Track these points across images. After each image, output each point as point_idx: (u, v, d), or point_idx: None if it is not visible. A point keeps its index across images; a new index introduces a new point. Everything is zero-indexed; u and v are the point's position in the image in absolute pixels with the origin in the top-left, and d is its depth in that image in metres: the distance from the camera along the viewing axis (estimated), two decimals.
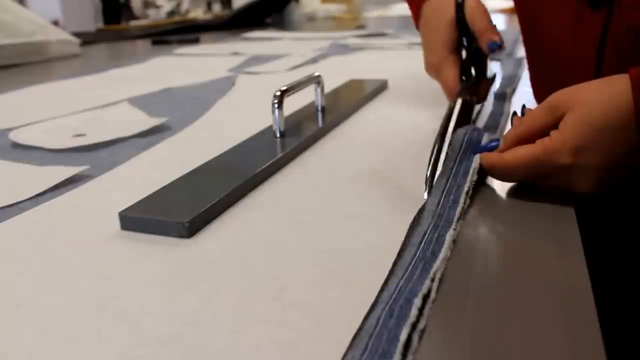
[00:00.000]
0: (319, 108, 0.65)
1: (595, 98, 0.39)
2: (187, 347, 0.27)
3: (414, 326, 0.27)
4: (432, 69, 0.65)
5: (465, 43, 0.64)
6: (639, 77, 0.38)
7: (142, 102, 0.81)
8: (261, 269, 0.34)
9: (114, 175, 0.52)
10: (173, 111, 0.74)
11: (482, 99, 0.63)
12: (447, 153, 0.46)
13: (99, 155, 0.58)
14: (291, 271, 0.33)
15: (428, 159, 0.45)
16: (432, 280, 0.30)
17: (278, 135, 0.56)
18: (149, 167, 0.53)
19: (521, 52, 1.01)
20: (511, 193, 0.44)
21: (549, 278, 0.32)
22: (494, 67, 0.90)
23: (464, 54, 0.65)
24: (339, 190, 0.45)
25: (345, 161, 0.52)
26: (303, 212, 0.41)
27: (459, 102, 0.54)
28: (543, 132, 0.41)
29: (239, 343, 0.27)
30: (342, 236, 0.37)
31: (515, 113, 0.47)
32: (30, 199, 0.48)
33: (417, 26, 0.69)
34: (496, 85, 0.75)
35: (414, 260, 0.32)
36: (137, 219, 0.39)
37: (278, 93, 0.55)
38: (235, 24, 2.04)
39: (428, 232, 0.36)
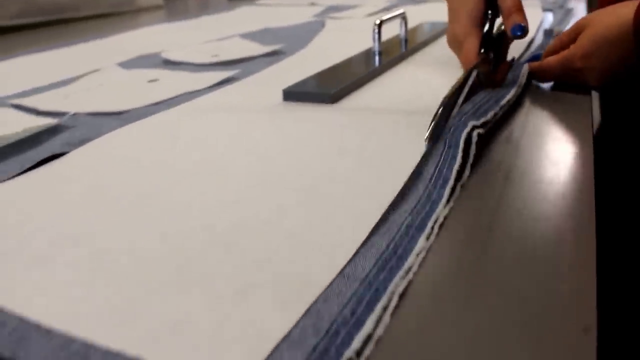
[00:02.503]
0: (403, 38, 0.82)
1: (604, 19, 0.55)
2: (329, 161, 0.45)
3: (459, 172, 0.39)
4: (455, 41, 0.62)
5: (490, 16, 0.60)
6: None
7: (249, 37, 1.00)
8: (378, 119, 0.52)
9: (258, 77, 0.70)
10: (280, 43, 0.92)
11: (496, 84, 0.57)
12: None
13: (237, 67, 0.77)
14: (389, 120, 0.51)
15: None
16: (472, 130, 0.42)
17: (377, 53, 0.74)
18: (283, 72, 0.72)
19: (570, 4, 1.18)
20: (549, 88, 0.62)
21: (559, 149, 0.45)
22: (546, 18, 1.06)
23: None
24: (418, 84, 0.63)
25: (424, 74, 0.70)
26: (402, 94, 0.60)
27: (475, 73, 0.53)
28: (567, 45, 0.59)
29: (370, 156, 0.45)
30: (427, 104, 0.55)
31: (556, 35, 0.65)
32: (203, 89, 0.66)
33: None
34: (541, 32, 0.90)
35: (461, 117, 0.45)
36: (296, 93, 0.58)
37: (378, 22, 0.73)
38: None
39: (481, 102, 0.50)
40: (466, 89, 0.50)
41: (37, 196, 0.40)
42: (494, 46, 0.59)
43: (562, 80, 0.60)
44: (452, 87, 0.48)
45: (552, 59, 0.59)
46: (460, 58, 0.60)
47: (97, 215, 0.37)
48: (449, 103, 0.46)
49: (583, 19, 0.57)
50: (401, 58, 0.76)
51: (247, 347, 0.24)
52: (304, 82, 0.61)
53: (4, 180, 0.43)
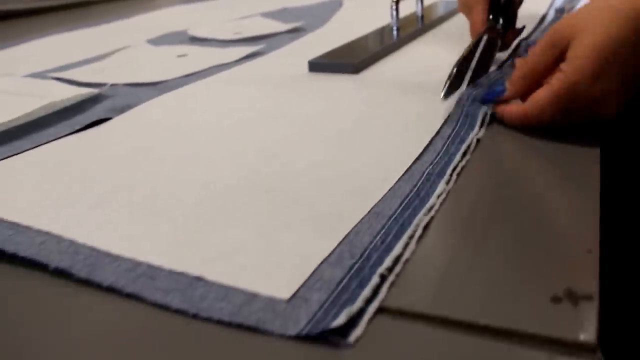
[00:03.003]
0: (420, 15, 0.86)
1: (597, 18, 0.39)
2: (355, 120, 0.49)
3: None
4: (465, 7, 0.63)
5: None
6: None
7: (269, 17, 1.03)
8: (399, 87, 0.55)
9: (282, 52, 0.74)
10: (299, 21, 0.95)
11: (506, 46, 0.60)
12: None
13: (261, 43, 0.81)
14: (410, 88, 0.55)
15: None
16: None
17: (395, 29, 0.77)
18: (306, 47, 0.75)
19: None
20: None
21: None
22: None
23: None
24: (434, 58, 0.66)
25: (439, 48, 0.73)
26: (419, 66, 0.63)
27: (485, 37, 0.54)
28: (550, 66, 0.41)
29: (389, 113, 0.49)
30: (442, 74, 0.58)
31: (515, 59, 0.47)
32: (231, 63, 0.70)
33: None
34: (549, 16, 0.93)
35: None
36: (321, 64, 0.62)
37: None
38: None
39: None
40: (478, 53, 0.53)
41: (90, 154, 0.44)
42: (502, 13, 0.60)
43: (562, 121, 0.42)
44: (463, 52, 0.52)
45: (539, 95, 0.41)
46: (470, 24, 0.62)
47: (146, 169, 0.41)
48: (461, 65, 0.50)
49: (559, 27, 0.41)
50: (417, 34, 0.79)
51: (293, 267, 0.28)
52: (328, 54, 0.65)
53: (58, 139, 0.47)
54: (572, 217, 0.32)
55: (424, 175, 0.36)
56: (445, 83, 0.48)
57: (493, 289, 0.26)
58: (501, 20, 0.60)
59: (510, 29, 0.62)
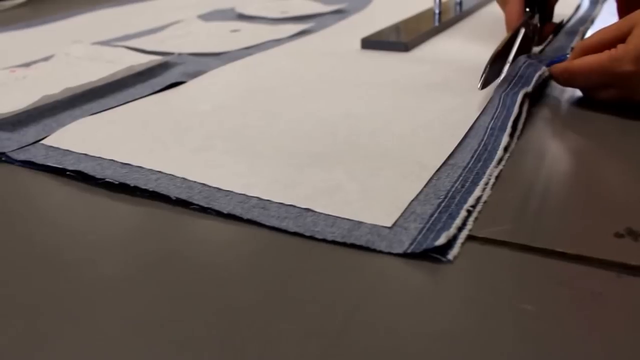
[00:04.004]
0: (458, 1, 0.90)
1: None
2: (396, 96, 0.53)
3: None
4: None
5: None
6: None
7: None
8: (452, 64, 0.60)
9: (331, 30, 0.78)
10: (339, 5, 0.99)
11: (542, 40, 0.62)
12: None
13: (309, 22, 0.85)
14: (463, 63, 0.59)
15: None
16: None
17: (437, 13, 0.81)
18: (353, 27, 0.80)
19: None
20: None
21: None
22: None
23: None
24: (477, 42, 0.70)
25: (478, 34, 0.77)
26: (463, 48, 0.67)
27: (522, 31, 0.55)
28: (611, 44, 0.44)
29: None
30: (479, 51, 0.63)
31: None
32: (285, 38, 0.74)
33: None
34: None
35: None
36: (373, 42, 0.66)
37: None
38: None
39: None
40: (516, 45, 0.53)
41: (177, 109, 0.49)
42: (538, 6, 0.61)
43: (594, 91, 0.48)
44: (498, 46, 0.52)
45: (587, 58, 0.45)
46: (505, 16, 0.62)
47: (235, 122, 0.45)
48: (496, 58, 0.50)
49: (631, 14, 0.45)
50: (457, 19, 0.83)
51: (388, 203, 0.33)
52: (378, 33, 0.69)
53: (142, 98, 0.52)
54: (623, 175, 0.37)
55: (488, 130, 0.41)
56: (482, 75, 0.48)
57: (562, 227, 0.31)
58: (537, 16, 0.60)
59: (547, 23, 0.63)
